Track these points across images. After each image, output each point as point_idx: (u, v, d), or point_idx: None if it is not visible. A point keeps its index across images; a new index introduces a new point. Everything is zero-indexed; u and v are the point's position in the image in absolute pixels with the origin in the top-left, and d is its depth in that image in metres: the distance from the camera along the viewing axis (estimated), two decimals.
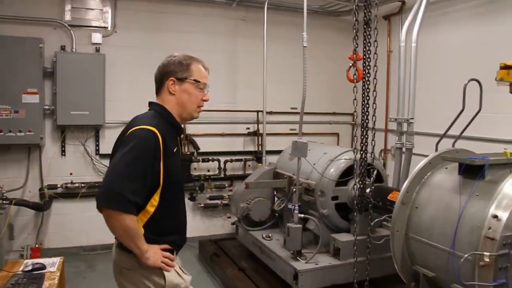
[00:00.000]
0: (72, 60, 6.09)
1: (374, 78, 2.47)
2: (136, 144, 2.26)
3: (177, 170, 2.52)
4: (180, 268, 2.59)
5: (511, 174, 2.87)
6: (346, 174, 4.74)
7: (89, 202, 6.50)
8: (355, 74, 2.62)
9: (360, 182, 3.06)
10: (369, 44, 2.44)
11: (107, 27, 6.39)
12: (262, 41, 6.47)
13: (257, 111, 6.97)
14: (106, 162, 6.50)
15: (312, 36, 4.71)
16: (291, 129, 7.24)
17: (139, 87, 6.59)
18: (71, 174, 6.41)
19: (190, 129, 6.74)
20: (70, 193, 6.39)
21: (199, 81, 2.50)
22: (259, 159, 6.80)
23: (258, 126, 7.04)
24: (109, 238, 6.86)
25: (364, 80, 2.54)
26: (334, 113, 7.65)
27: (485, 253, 2.68)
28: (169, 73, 2.51)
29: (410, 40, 4.68)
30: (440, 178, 3.43)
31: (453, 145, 3.82)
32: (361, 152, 2.56)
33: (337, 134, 7.76)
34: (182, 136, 2.74)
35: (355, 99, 2.50)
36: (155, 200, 2.37)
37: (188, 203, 7.02)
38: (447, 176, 3.39)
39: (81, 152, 6.45)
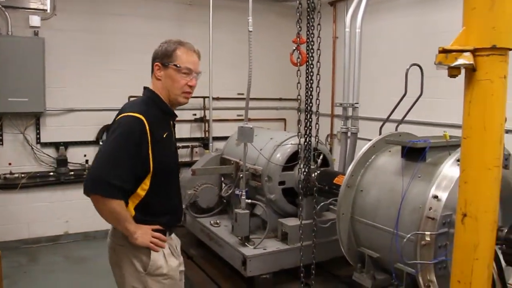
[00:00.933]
0: (8, 44, 5.80)
1: (318, 61, 2.46)
2: (122, 132, 2.35)
3: (169, 155, 2.59)
4: (173, 252, 2.66)
5: (450, 156, 2.95)
6: (293, 159, 4.75)
7: (30, 193, 6.26)
8: (298, 57, 2.61)
9: (304, 166, 3.07)
10: (312, 28, 2.42)
11: (46, 10, 6.11)
12: (208, 26, 6.38)
13: (204, 97, 6.90)
14: (48, 151, 6.29)
15: (258, 22, 4.68)
16: (238, 115, 7.22)
17: (83, 73, 6.39)
18: (10, 164, 6.14)
19: None
20: (9, 184, 6.12)
21: (180, 66, 2.50)
22: (206, 146, 6.75)
23: (204, 112, 6.98)
24: (53, 230, 6.70)
25: (307, 63, 2.53)
26: (280, 99, 7.69)
27: (426, 232, 2.75)
28: (156, 58, 2.57)
29: (354, 26, 4.73)
30: (384, 161, 3.49)
31: (396, 129, 3.91)
32: (305, 136, 2.56)
33: (284, 120, 7.81)
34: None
35: (298, 82, 2.49)
36: (145, 184, 2.46)
37: None
38: (390, 159, 3.46)
39: (20, 141, 6.18)
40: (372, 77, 5.97)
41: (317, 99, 2.51)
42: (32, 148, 6.24)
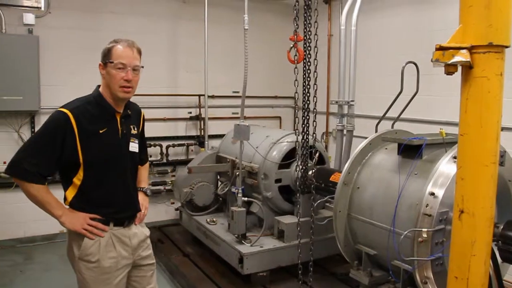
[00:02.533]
0: (2, 42, 5.73)
1: (315, 59, 2.47)
2: (45, 124, 2.54)
3: (105, 149, 2.63)
4: (116, 243, 2.68)
5: (447, 153, 2.96)
6: (289, 157, 4.77)
7: None
8: (295, 55, 2.62)
9: (302, 164, 3.09)
10: (309, 25, 2.43)
11: (40, 7, 6.03)
12: (203, 24, 6.36)
13: (199, 95, 6.87)
14: None
15: (254, 20, 4.67)
16: (233, 113, 7.19)
17: (77, 71, 6.33)
18: (4, 163, 6.07)
19: None
20: (4, 182, 6.06)
21: (112, 62, 2.60)
22: (201, 144, 6.72)
23: (200, 110, 6.95)
24: (49, 229, 6.64)
25: (304, 61, 2.54)
26: (276, 97, 7.67)
27: (423, 229, 2.76)
28: (101, 59, 2.69)
29: (350, 24, 4.73)
30: (380, 159, 3.51)
31: (392, 127, 3.92)
32: (303, 133, 2.58)
33: (279, 118, 7.80)
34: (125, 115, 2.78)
35: (296, 80, 2.49)
36: (79, 175, 2.58)
37: None
38: (386, 157, 3.48)
39: (15, 139, 6.12)
40: (367, 75, 5.97)
41: (314, 96, 2.50)
42: None
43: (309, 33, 2.41)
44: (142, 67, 2.74)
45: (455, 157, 2.89)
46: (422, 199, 2.86)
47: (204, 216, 5.41)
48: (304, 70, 2.53)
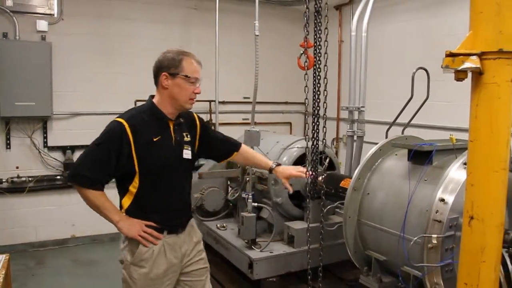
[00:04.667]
0: (16, 49, 5.84)
1: (325, 65, 2.49)
2: (102, 133, 2.68)
3: (160, 157, 2.72)
4: (168, 251, 2.77)
5: (457, 159, 2.96)
6: (299, 162, 4.76)
7: (38, 196, 6.30)
8: (306, 61, 2.65)
9: (312, 169, 3.10)
10: (319, 32, 2.45)
11: (53, 14, 6.16)
12: (214, 30, 6.41)
13: (210, 101, 6.92)
14: (55, 154, 6.33)
15: (264, 26, 4.71)
16: (243, 119, 7.24)
17: (90, 77, 6.42)
18: (17, 167, 6.17)
19: None
20: (17, 187, 6.15)
21: (189, 76, 2.68)
22: None
23: (210, 116, 6.99)
24: (60, 233, 6.71)
25: (315, 67, 2.57)
26: (286, 103, 7.70)
27: (433, 235, 2.76)
28: (162, 68, 2.72)
29: (360, 30, 4.76)
30: (390, 164, 3.51)
31: (402, 132, 3.92)
32: (313, 139, 2.60)
33: (290, 123, 7.82)
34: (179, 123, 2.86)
35: (306, 86, 2.53)
36: (135, 182, 2.70)
37: None
38: (397, 162, 3.48)
39: (27, 144, 6.21)
40: (377, 80, 5.98)
41: (324, 102, 2.52)
42: (39, 152, 6.27)
43: (319, 39, 2.43)
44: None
45: (465, 163, 2.87)
46: (432, 205, 2.85)
47: (214, 222, 5.42)
48: (314, 76, 2.55)
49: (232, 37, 7.01)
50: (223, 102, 7.02)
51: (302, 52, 2.87)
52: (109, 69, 6.53)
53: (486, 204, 2.12)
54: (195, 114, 3.08)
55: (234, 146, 3.27)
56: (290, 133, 7.59)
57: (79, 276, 5.50)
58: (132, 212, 2.76)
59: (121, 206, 2.80)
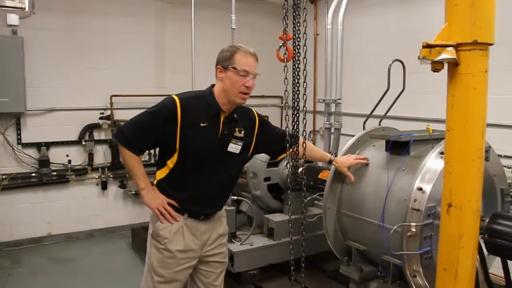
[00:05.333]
0: None
1: (304, 57, 2.52)
2: (155, 105, 2.79)
3: (202, 144, 2.76)
4: (186, 234, 2.82)
5: (433, 149, 3.02)
6: None
7: (12, 194, 6.18)
8: (285, 53, 2.67)
9: (293, 161, 3.13)
10: (298, 24, 2.47)
11: (24, 8, 5.98)
12: (190, 24, 6.35)
13: None
14: (30, 151, 6.21)
15: (240, 20, 4.70)
16: None
17: (64, 73, 6.31)
18: None
19: (117, 115, 6.54)
20: None
21: (237, 69, 2.73)
22: None
23: None
24: (36, 232, 6.58)
25: (294, 59, 2.59)
26: (263, 96, 7.71)
27: (411, 224, 2.82)
28: (218, 62, 2.86)
29: (336, 23, 4.79)
30: (368, 155, 3.55)
31: (379, 124, 3.97)
32: (293, 131, 2.62)
33: (267, 117, 7.81)
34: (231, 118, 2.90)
35: (286, 78, 2.55)
36: (174, 158, 2.77)
37: (118, 191, 6.85)
38: (375, 153, 3.53)
39: (0, 141, 6.08)
40: (353, 73, 6.03)
41: (304, 94, 2.55)
42: (13, 148, 6.14)
43: (298, 31, 2.45)
44: (259, 74, 2.91)
45: (442, 153, 2.95)
46: (410, 194, 2.91)
47: None
48: (293, 69, 2.57)
49: (208, 31, 6.95)
50: None
51: (281, 44, 2.88)
52: (84, 64, 6.42)
53: (463, 192, 2.18)
54: (255, 112, 3.14)
55: (293, 140, 3.17)
56: None
57: (56, 275, 5.43)
58: (162, 186, 2.84)
59: (154, 177, 2.88)
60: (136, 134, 2.74)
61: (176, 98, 2.74)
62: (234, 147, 2.88)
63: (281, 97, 7.86)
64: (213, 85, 2.90)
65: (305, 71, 2.55)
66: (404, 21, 5.65)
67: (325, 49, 5.00)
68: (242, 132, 2.92)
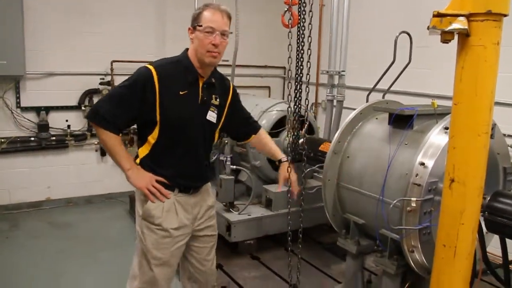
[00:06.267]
0: None
1: (310, 23, 2.43)
2: (129, 78, 2.60)
3: (182, 112, 2.64)
4: (179, 210, 2.72)
5: (438, 124, 2.96)
6: (278, 126, 4.76)
7: (11, 158, 6.14)
8: (290, 19, 2.58)
9: (294, 130, 3.07)
10: None
11: None
12: None
13: None
14: (29, 115, 6.15)
15: None
16: None
17: (65, 36, 6.19)
18: None
19: (118, 80, 6.42)
20: None
21: (201, 25, 2.58)
22: None
23: None
24: (35, 196, 6.55)
25: (299, 26, 2.50)
26: (265, 66, 7.60)
27: (412, 198, 2.78)
28: (191, 22, 2.69)
29: None
30: (371, 128, 3.50)
31: (383, 97, 3.91)
32: (295, 99, 2.54)
33: (268, 88, 7.75)
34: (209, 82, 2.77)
35: (289, 44, 2.47)
36: (155, 133, 2.64)
37: None
38: (377, 126, 3.47)
39: None
40: (358, 45, 5.93)
41: (308, 61, 2.47)
42: (12, 112, 6.07)
43: None
44: (231, 32, 2.72)
45: (446, 128, 2.89)
46: (412, 169, 2.86)
47: None
48: (298, 35, 2.49)
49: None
50: None
51: (286, 9, 2.80)
52: (84, 27, 6.30)
53: (467, 167, 2.13)
54: (230, 82, 3.01)
55: (254, 128, 3.16)
56: (269, 97, 7.53)
57: (54, 239, 5.44)
58: (146, 164, 2.70)
59: (136, 156, 2.75)
60: (113, 111, 2.57)
61: (151, 67, 2.59)
62: (212, 116, 2.78)
63: (284, 67, 7.75)
64: (187, 49, 2.75)
65: (310, 38, 2.46)
66: None
67: (330, 19, 4.89)
68: (218, 99, 2.81)
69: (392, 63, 3.78)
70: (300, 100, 2.56)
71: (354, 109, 3.72)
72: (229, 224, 4.33)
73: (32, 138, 6.23)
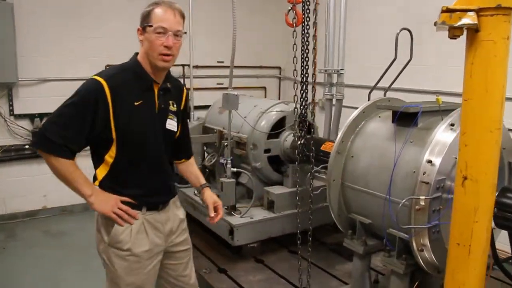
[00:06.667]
0: None
1: (314, 22, 2.39)
2: (76, 93, 2.32)
3: (140, 124, 2.42)
4: (149, 230, 2.50)
5: (443, 121, 2.93)
6: (278, 126, 4.71)
7: (6, 167, 6.07)
8: (294, 18, 2.52)
9: (301, 131, 3.00)
10: None
11: None
12: None
13: (183, 65, 6.72)
14: (23, 123, 6.08)
15: None
16: (218, 83, 7.09)
17: (57, 40, 6.14)
18: None
19: None
20: None
21: (151, 25, 2.34)
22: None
23: (184, 81, 6.80)
24: (31, 205, 6.49)
25: (303, 24, 2.45)
26: (261, 67, 7.57)
27: (421, 197, 2.74)
28: (140, 23, 2.44)
29: None
30: (374, 127, 3.46)
31: (384, 95, 3.87)
32: (301, 99, 2.47)
33: (264, 88, 7.71)
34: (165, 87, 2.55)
35: (294, 44, 2.40)
36: (112, 152, 2.40)
37: None
38: (381, 125, 3.43)
39: None
40: (353, 43, 5.89)
41: (313, 61, 2.43)
42: (5, 120, 5.99)
43: None
44: (185, 32, 2.48)
45: (451, 125, 2.87)
46: (419, 167, 2.82)
47: (191, 188, 5.31)
48: (302, 34, 2.44)
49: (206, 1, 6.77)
50: (196, 67, 6.83)
51: (290, 8, 2.74)
52: (78, 32, 6.24)
53: (480, 164, 2.10)
54: (183, 85, 2.79)
55: (188, 153, 2.97)
56: (265, 98, 7.50)
57: (51, 248, 5.38)
58: (107, 185, 2.45)
59: (94, 178, 2.49)
60: (62, 134, 2.27)
61: (100, 79, 2.32)
62: (172, 124, 2.58)
63: (279, 67, 7.72)
64: (137, 54, 2.51)
65: (315, 37, 2.42)
66: None
67: (326, 17, 4.83)
68: (175, 105, 2.61)
69: (394, 60, 3.73)
70: (307, 100, 2.51)
71: (353, 107, 3.68)
72: (232, 227, 4.28)
73: (27, 146, 6.16)
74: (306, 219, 3.52)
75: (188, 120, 2.85)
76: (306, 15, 2.37)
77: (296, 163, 2.88)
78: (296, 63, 2.40)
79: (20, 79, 5.87)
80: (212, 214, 2.78)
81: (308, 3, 2.36)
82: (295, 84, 2.55)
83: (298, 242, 2.84)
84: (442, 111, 3.05)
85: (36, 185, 6.29)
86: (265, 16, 7.12)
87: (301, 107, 2.66)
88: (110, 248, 2.46)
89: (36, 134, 2.40)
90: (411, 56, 3.83)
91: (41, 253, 5.21)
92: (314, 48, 2.27)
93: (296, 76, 2.58)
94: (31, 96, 6.10)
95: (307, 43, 2.43)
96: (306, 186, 3.38)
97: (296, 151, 3.37)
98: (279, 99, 7.71)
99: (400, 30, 3.64)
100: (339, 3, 4.63)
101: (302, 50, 2.50)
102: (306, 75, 2.47)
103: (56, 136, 2.26)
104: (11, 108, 6.02)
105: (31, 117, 6.13)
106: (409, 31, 3.71)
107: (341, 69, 4.71)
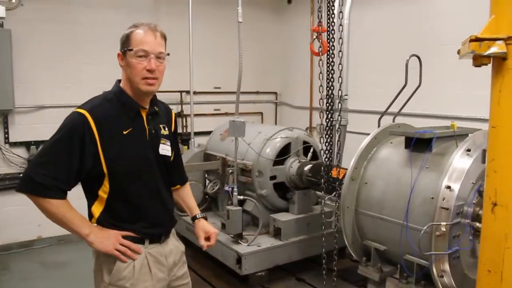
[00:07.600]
0: None
1: (340, 51, 2.40)
2: (60, 129, 2.18)
3: (132, 153, 2.26)
4: (152, 264, 2.35)
5: (459, 146, 2.95)
6: (283, 153, 4.71)
7: (0, 196, 5.92)
8: (320, 47, 2.54)
9: (329, 159, 2.97)
10: (333, 16, 2.36)
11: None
12: (184, 19, 6.19)
13: (181, 91, 6.70)
14: (18, 151, 5.96)
15: (234, 14, 4.56)
16: (215, 109, 7.07)
17: (55, 67, 6.06)
18: None
19: None
20: None
21: (132, 49, 2.19)
22: (185, 142, 6.53)
23: (182, 107, 6.78)
24: (26, 235, 6.29)
25: (328, 53, 2.47)
26: (257, 92, 7.58)
27: (442, 223, 2.74)
28: (120, 47, 2.28)
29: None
30: (387, 153, 3.48)
31: (393, 121, 3.88)
32: (327, 128, 2.48)
33: (261, 113, 7.71)
34: (153, 112, 2.40)
35: (320, 72, 2.41)
36: (105, 186, 2.25)
37: None
38: (393, 151, 3.45)
39: None
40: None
41: (339, 90, 2.44)
42: (0, 148, 5.88)
43: (333, 24, 2.34)
44: (168, 54, 2.31)
45: (468, 150, 2.89)
46: (438, 192, 2.83)
47: None
48: (328, 63, 2.46)
49: (201, 24, 6.79)
50: (194, 93, 6.81)
51: (315, 37, 2.76)
52: (74, 58, 6.18)
53: (510, 190, 2.10)
54: (171, 108, 2.65)
55: (183, 179, 2.77)
56: (262, 123, 7.50)
57: (48, 280, 5.21)
58: (106, 221, 2.30)
59: (90, 215, 2.33)
60: (51, 174, 2.13)
61: (84, 111, 2.17)
62: (166, 149, 2.43)
63: (275, 93, 7.75)
64: (119, 81, 2.37)
65: (340, 65, 2.43)
66: (407, 17, 5.48)
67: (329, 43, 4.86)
68: (166, 129, 2.47)
69: (404, 86, 3.75)
70: (333, 128, 2.51)
71: (357, 132, 3.69)
72: (240, 256, 4.22)
73: (22, 175, 6.03)
74: (311, 246, 3.47)
75: (187, 147, 2.66)
76: (331, 43, 2.38)
77: (322, 191, 2.85)
78: (322, 92, 2.40)
79: (16, 106, 5.78)
80: (203, 242, 2.60)
81: (333, 32, 2.37)
82: (321, 114, 2.54)
83: (323, 261, 2.78)
84: (457, 136, 3.07)
85: (31, 215, 6.02)
86: (261, 42, 7.17)
87: (326, 136, 2.64)
88: (110, 287, 2.30)
89: (21, 178, 2.21)
90: (420, 82, 3.86)
91: (38, 286, 5.05)
92: (340, 77, 2.27)
93: (322, 105, 2.57)
94: (27, 124, 6.00)
95: (332, 71, 2.43)
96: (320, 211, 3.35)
97: (323, 180, 3.32)
98: (275, 123, 7.73)
99: (410, 57, 3.66)
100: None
101: (327, 78, 2.50)
102: (332, 103, 2.47)
103: (43, 177, 2.12)
104: (6, 135, 5.90)
105: (27, 144, 6.02)
106: (418, 57, 3.74)
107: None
